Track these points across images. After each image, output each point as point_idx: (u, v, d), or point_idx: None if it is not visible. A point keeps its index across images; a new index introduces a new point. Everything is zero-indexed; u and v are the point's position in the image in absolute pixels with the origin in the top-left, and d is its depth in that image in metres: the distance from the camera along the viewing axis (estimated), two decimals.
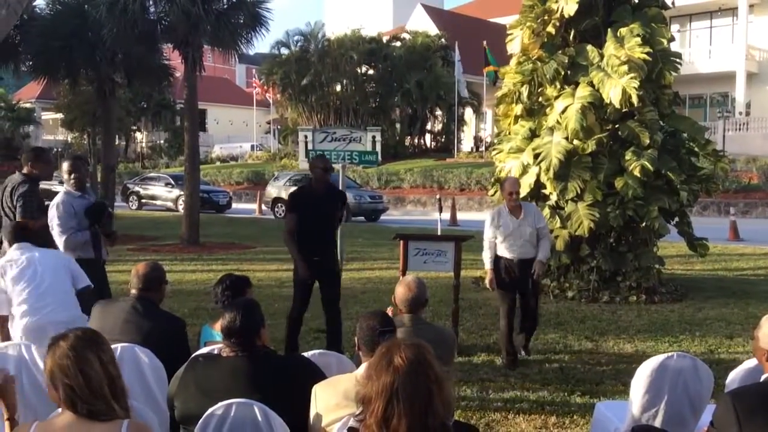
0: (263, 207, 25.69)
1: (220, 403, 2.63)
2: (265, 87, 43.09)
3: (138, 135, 54.00)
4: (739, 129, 32.09)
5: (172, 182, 26.87)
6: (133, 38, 14.96)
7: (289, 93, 39.61)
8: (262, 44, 70.54)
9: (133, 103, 45.29)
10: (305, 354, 3.33)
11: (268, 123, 55.62)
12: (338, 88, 39.87)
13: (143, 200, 27.73)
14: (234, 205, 28.55)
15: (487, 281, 6.46)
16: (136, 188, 28.25)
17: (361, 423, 2.03)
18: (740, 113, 33.53)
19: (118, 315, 3.79)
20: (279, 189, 24.76)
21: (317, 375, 2.92)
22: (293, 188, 23.74)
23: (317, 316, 8.22)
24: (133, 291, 3.89)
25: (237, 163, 45.02)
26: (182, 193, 19.08)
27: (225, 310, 2.99)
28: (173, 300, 8.46)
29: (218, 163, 45.39)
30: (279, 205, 24.42)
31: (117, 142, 30.74)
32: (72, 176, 5.58)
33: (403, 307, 3.80)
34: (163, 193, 27.21)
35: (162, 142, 52.06)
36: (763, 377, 2.73)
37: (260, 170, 36.44)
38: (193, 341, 4.43)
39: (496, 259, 6.35)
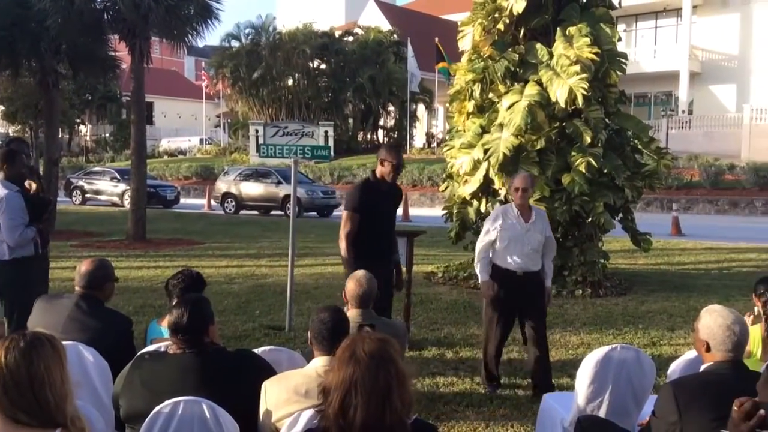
0: (212, 202, 25.37)
1: (167, 401, 2.58)
2: (215, 80, 42.48)
3: (82, 128, 52.64)
4: (682, 127, 33.06)
5: (118, 177, 26.32)
6: (79, 28, 14.55)
7: (239, 86, 39.19)
8: (212, 37, 69.76)
9: (77, 95, 44.15)
10: (255, 350, 3.30)
11: (218, 116, 54.88)
12: (290, 82, 39.63)
13: (87, 195, 27.07)
14: (182, 200, 28.08)
15: (483, 294, 5.37)
16: (80, 183, 27.56)
17: (321, 413, 2.04)
18: (683, 112, 34.55)
19: (62, 312, 3.69)
20: (229, 184, 24.51)
21: (267, 371, 2.90)
22: (245, 183, 23.98)
23: (268, 312, 8.19)
24: (78, 288, 3.79)
25: (185, 157, 44.30)
26: (128, 187, 18.68)
27: (173, 306, 2.94)
28: (119, 297, 8.26)
29: (166, 157, 44.61)
30: (229, 200, 24.18)
31: (60, 136, 29.80)
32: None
33: (353, 303, 3.81)
34: (109, 188, 26.63)
35: (107, 135, 50.88)
36: (702, 367, 2.82)
37: (209, 164, 35.96)
38: (139, 339, 4.34)
39: (495, 271, 5.27)
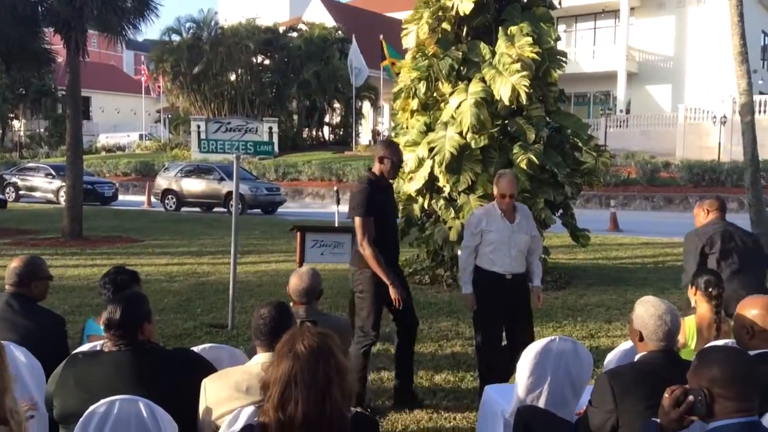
0: (152, 199, 24.84)
1: (102, 401, 2.51)
2: (154, 75, 41.57)
3: (16, 123, 50.77)
4: (620, 126, 34.01)
5: (53, 173, 25.52)
6: (12, 21, 14.03)
7: (180, 81, 38.47)
8: (151, 30, 68.15)
9: (10, 89, 42.55)
10: (195, 348, 3.24)
11: (158, 112, 53.69)
12: (233, 77, 39.10)
13: (21, 192, 26.15)
14: (121, 197, 27.42)
15: (466, 307, 5.06)
16: (14, 179, 26.61)
17: (260, 409, 2.02)
18: (621, 111, 35.56)
19: None
20: (169, 180, 24.05)
21: (206, 368, 2.85)
22: (186, 179, 23.54)
23: (209, 310, 8.06)
24: (8, 287, 3.67)
25: (124, 153, 43.29)
26: (64, 184, 18.11)
27: (107, 302, 2.87)
28: (54, 296, 8.03)
29: (104, 153, 43.49)
30: (169, 196, 23.72)
31: None
32: None
33: (296, 298, 3.78)
34: (43, 185, 25.79)
35: (42, 130, 49.24)
36: (636, 357, 2.91)
37: (149, 161, 35.20)
38: (75, 339, 4.22)
39: (480, 275, 4.95)
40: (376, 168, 4.95)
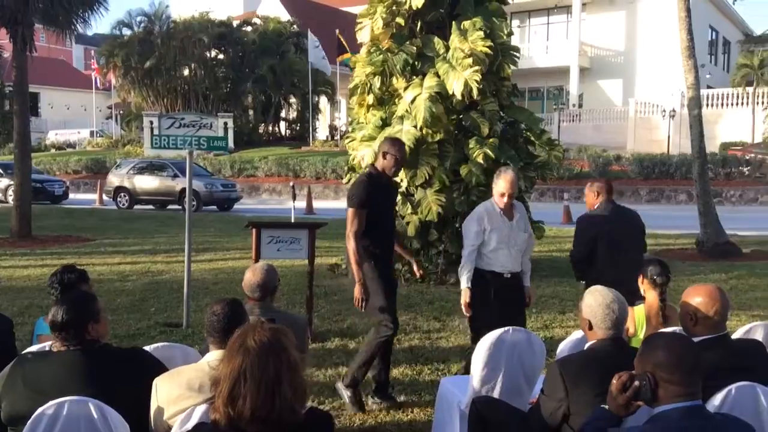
0: (104, 197, 24.34)
1: (51, 402, 2.46)
2: (105, 70, 40.66)
3: None
4: (573, 120, 34.62)
5: (1, 171, 24.78)
6: None
7: (131, 76, 37.70)
8: (102, 24, 66.58)
9: None
10: (147, 347, 3.19)
11: (110, 108, 52.56)
12: (186, 72, 38.48)
13: None
14: (71, 196, 26.82)
15: (463, 303, 4.85)
16: None
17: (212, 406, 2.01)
18: (573, 105, 36.17)
19: None
20: (122, 177, 23.61)
21: (158, 368, 2.82)
22: (139, 176, 23.11)
23: (163, 309, 7.95)
24: None
25: (75, 150, 42.29)
26: (12, 182, 17.60)
27: (53, 303, 2.81)
28: (2, 297, 7.83)
29: (53, 151, 42.44)
30: (122, 194, 23.29)
31: None
32: None
33: (250, 294, 3.76)
34: None
35: None
36: (586, 345, 2.97)
37: (101, 158, 34.46)
38: (25, 341, 4.12)
39: (479, 275, 4.83)
40: (379, 163, 4.87)
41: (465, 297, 4.80)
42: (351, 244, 4.63)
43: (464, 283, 4.81)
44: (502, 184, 4.77)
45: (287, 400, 1.86)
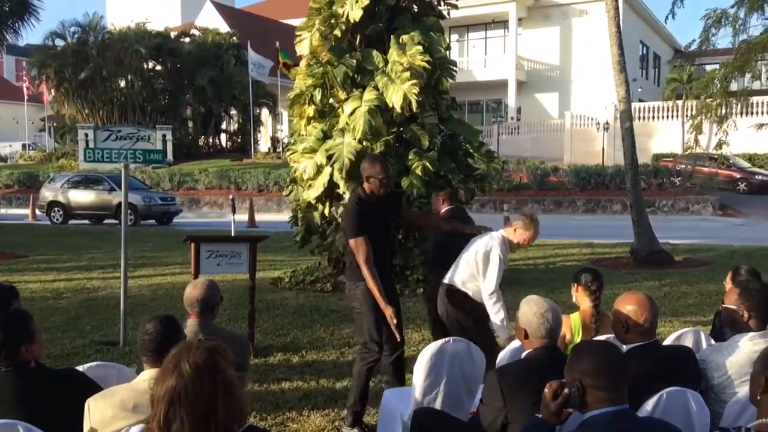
0: (37, 212, 23.54)
1: None
2: (37, 81, 39.42)
3: None
4: (511, 133, 35.31)
5: None
6: None
7: (65, 88, 36.65)
8: (34, 35, 64.55)
9: None
10: (80, 367, 3.10)
11: (43, 120, 50.91)
12: (123, 83, 37.66)
13: None
14: (2, 211, 25.88)
15: (507, 341, 4.56)
16: None
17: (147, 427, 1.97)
18: (512, 118, 36.90)
19: None
20: (56, 192, 22.88)
21: (91, 387, 2.75)
22: (74, 190, 22.43)
23: (99, 327, 7.73)
24: None
25: (6, 164, 40.80)
26: None
27: None
28: None
29: None
30: (56, 209, 22.59)
31: None
32: None
33: (190, 309, 3.70)
34: None
35: None
36: (523, 354, 3.03)
37: (34, 171, 33.33)
38: None
39: (474, 304, 4.95)
40: (366, 186, 4.82)
41: (508, 342, 4.43)
42: (366, 272, 4.58)
43: (507, 333, 4.75)
44: (531, 235, 4.86)
45: (221, 423, 1.83)
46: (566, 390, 2.34)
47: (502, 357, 3.79)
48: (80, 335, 7.31)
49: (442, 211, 6.51)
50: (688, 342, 3.91)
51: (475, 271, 4.84)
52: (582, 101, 35.90)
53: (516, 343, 3.80)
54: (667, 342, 3.82)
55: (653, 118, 33.30)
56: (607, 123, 31.30)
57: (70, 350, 6.68)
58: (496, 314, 4.76)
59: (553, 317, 2.93)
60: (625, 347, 3.12)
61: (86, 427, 2.57)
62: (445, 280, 5.11)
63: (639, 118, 30.98)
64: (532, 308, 2.96)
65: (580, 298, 4.20)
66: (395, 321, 4.54)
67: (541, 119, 36.30)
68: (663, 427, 2.36)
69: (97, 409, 2.56)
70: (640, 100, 33.46)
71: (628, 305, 3.06)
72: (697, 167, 24.76)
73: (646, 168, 24.80)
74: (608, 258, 13.08)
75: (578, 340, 4.12)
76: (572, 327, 4.13)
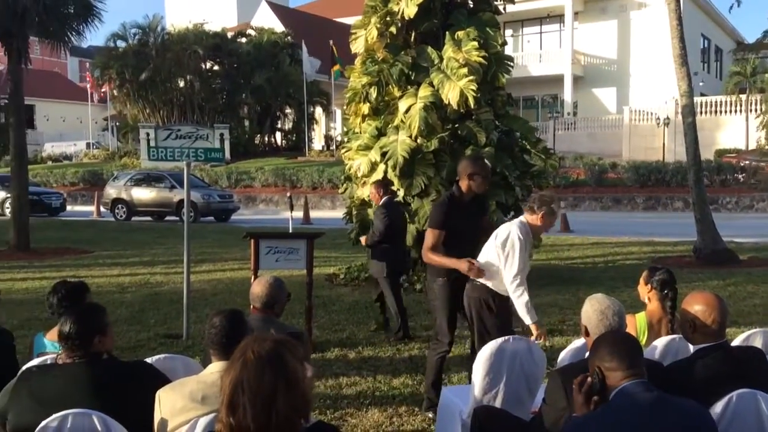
0: (102, 209, 24.30)
1: (55, 415, 2.47)
2: (100, 82, 40.67)
3: None
4: (568, 129, 34.73)
5: None
6: None
7: (127, 88, 37.71)
8: (96, 37, 66.57)
9: None
10: (148, 359, 3.20)
11: (106, 120, 52.50)
12: (182, 83, 38.52)
13: None
14: (69, 208, 26.76)
15: (539, 337, 4.50)
16: None
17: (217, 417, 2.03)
18: (568, 114, 36.29)
19: None
20: (119, 189, 23.58)
21: (160, 380, 2.83)
22: (136, 188, 23.09)
23: (163, 321, 7.95)
24: None
25: (71, 162, 42.21)
26: (9, 195, 17.58)
27: (63, 316, 2.83)
28: (1, 311, 7.79)
29: (50, 163, 42.32)
30: (119, 206, 23.27)
31: None
32: None
33: (255, 305, 3.76)
34: None
35: None
36: (587, 354, 2.98)
37: (98, 170, 34.42)
38: (24, 354, 4.12)
39: (493, 295, 4.63)
40: (464, 184, 4.85)
41: (539, 332, 4.50)
42: (430, 259, 4.75)
43: (534, 317, 4.52)
44: (553, 219, 4.58)
45: (282, 415, 1.87)
46: (589, 379, 2.47)
47: (563, 356, 3.74)
48: (145, 328, 7.53)
49: (381, 201, 7.35)
50: (758, 343, 3.78)
51: (494, 257, 4.53)
52: (641, 96, 35.06)
53: (578, 342, 3.75)
54: (735, 343, 3.70)
55: (716, 112, 32.29)
56: (668, 118, 30.49)
57: (135, 343, 6.89)
58: (519, 297, 4.46)
59: (613, 314, 2.90)
60: (692, 347, 3.05)
61: (157, 417, 2.65)
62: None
63: (701, 112, 30.05)
64: (593, 305, 2.95)
65: (651, 298, 4.09)
66: (475, 264, 4.51)
67: (598, 114, 35.59)
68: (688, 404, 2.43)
69: (167, 400, 2.64)
70: (702, 95, 32.46)
71: (696, 305, 2.98)
72: (761, 163, 23.91)
73: (709, 164, 24.08)
74: (670, 257, 12.76)
75: (644, 340, 4.02)
76: (637, 327, 4.04)
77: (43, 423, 2.48)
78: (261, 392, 1.85)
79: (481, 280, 4.60)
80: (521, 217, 4.65)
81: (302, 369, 1.98)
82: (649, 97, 34.00)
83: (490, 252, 4.58)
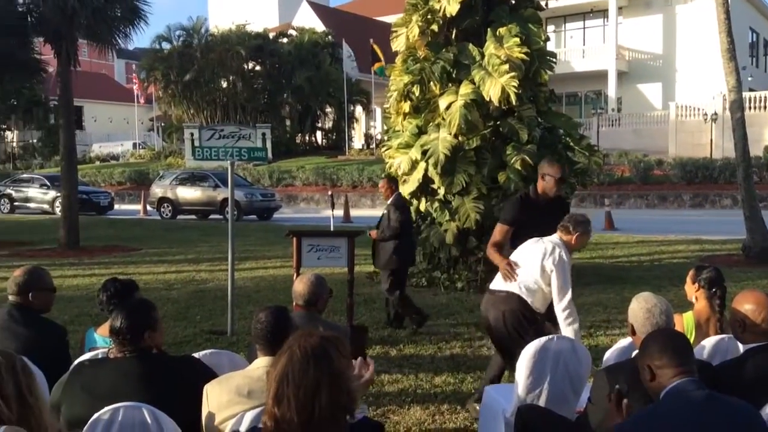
0: (148, 207, 24.83)
1: (106, 408, 2.55)
2: (146, 83, 41.53)
3: (8, 134, 50.65)
4: (612, 125, 34.14)
5: (48, 183, 25.52)
6: (1, 31, 14.03)
7: (171, 89, 38.42)
8: (142, 39, 67.98)
9: (1, 100, 42.42)
10: (196, 354, 3.27)
11: (151, 120, 53.63)
12: (224, 84, 39.09)
13: (16, 203, 26.11)
14: (116, 206, 27.42)
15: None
16: (8, 191, 26.55)
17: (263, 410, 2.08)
18: (612, 110, 35.69)
19: None
20: (165, 188, 24.06)
21: (208, 374, 2.89)
22: (181, 187, 23.52)
23: (208, 317, 8.08)
24: (10, 298, 3.69)
25: (118, 162, 43.22)
26: (59, 194, 18.10)
27: (114, 311, 2.91)
28: (53, 306, 8.01)
29: (98, 163, 43.42)
30: (165, 205, 23.72)
31: None
32: None
33: (298, 302, 3.81)
34: (38, 195, 25.76)
35: (35, 141, 49.08)
36: (634, 353, 2.94)
37: (144, 169, 35.17)
38: (75, 348, 4.24)
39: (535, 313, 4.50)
40: (539, 184, 4.95)
41: None
42: (488, 253, 4.85)
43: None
44: (586, 240, 4.52)
45: (324, 410, 1.89)
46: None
47: (609, 355, 3.70)
48: (191, 324, 7.67)
49: (392, 197, 7.37)
50: None
51: (539, 276, 4.37)
52: (687, 91, 34.26)
53: (625, 341, 3.69)
54: None
55: (765, 108, 31.35)
56: (715, 113, 29.73)
57: (182, 338, 7.03)
58: (570, 325, 4.29)
59: (659, 313, 2.86)
60: (742, 347, 2.99)
61: (204, 411, 2.71)
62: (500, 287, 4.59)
63: (750, 108, 29.20)
64: (640, 303, 2.93)
65: (699, 297, 4.00)
66: (510, 267, 4.47)
67: (643, 110, 34.91)
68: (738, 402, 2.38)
69: (214, 394, 2.70)
70: (751, 90, 31.55)
71: (746, 304, 2.93)
72: None
73: (758, 161, 23.41)
74: (718, 255, 12.46)
75: (691, 340, 3.93)
76: (685, 326, 3.96)
77: (96, 416, 2.55)
78: (305, 385, 1.89)
79: (513, 290, 4.42)
80: (556, 237, 4.44)
81: (349, 366, 2.00)
82: (695, 93, 33.21)
83: (534, 267, 4.38)
